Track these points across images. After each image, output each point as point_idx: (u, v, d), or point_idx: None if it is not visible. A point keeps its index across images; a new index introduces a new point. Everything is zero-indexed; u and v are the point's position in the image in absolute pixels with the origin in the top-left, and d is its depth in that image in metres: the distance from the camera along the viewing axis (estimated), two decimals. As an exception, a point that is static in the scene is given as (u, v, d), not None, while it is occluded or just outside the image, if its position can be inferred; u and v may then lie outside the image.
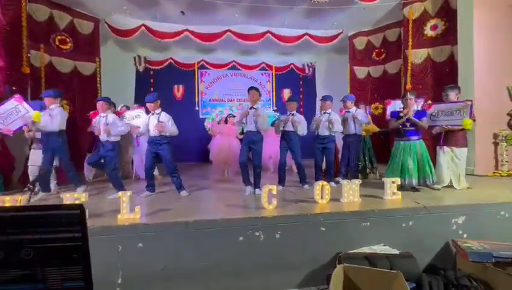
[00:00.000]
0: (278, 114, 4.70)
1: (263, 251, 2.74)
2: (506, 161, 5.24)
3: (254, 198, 3.73)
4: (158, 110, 4.10)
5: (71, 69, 6.47)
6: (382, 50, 7.82)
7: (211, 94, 9.32)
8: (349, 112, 4.79)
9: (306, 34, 7.71)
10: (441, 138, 4.13)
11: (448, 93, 4.09)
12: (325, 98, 4.60)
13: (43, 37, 5.86)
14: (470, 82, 5.34)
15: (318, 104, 7.65)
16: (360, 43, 8.06)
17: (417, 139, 3.97)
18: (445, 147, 4.04)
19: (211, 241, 2.69)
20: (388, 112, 5.49)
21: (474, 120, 3.94)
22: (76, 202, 2.68)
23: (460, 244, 2.77)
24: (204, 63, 9.04)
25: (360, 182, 3.45)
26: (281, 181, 4.38)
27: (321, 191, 3.27)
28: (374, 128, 5.49)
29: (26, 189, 3.32)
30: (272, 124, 5.17)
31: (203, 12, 6.62)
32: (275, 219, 2.83)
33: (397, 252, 2.82)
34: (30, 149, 4.49)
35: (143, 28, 7.07)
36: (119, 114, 5.05)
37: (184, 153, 8.31)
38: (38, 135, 4.33)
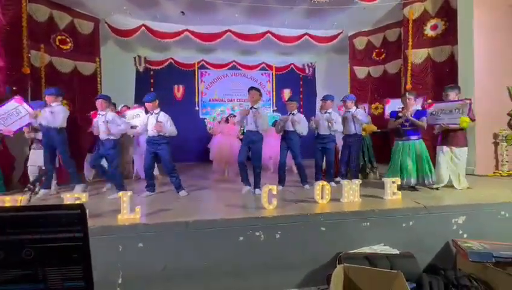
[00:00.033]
0: (280, 115, 4.69)
1: (263, 251, 2.74)
2: (507, 161, 5.25)
3: (254, 198, 3.73)
4: (157, 110, 4.09)
5: (71, 69, 6.48)
6: (382, 50, 7.82)
7: (211, 94, 9.32)
8: (349, 111, 4.79)
9: (306, 34, 7.71)
10: (439, 138, 4.14)
11: (448, 93, 4.10)
12: (325, 98, 4.60)
13: (43, 37, 5.86)
14: (470, 82, 5.34)
15: (318, 104, 7.67)
16: (360, 43, 8.07)
17: (416, 139, 3.97)
18: (444, 147, 4.04)
19: (211, 241, 2.69)
20: (387, 111, 5.51)
21: (473, 119, 3.94)
22: (77, 202, 2.68)
23: (460, 244, 2.77)
24: (205, 63, 9.05)
25: (360, 182, 3.46)
26: (281, 181, 4.39)
27: (321, 191, 3.27)
28: (372, 127, 5.48)
29: (26, 189, 3.32)
30: (273, 124, 5.18)
31: (203, 12, 6.63)
32: (275, 219, 2.83)
33: (397, 252, 2.82)
34: (30, 149, 4.50)
35: (143, 28, 7.07)
36: (119, 114, 5.05)
37: (184, 153, 8.31)
38: (38, 136, 4.34)
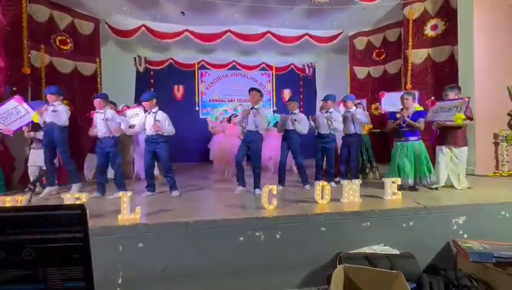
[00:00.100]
0: (284, 115, 4.68)
1: (263, 251, 2.74)
2: (507, 161, 5.24)
3: (254, 198, 3.73)
4: (155, 109, 4.09)
5: (71, 69, 6.48)
6: (382, 50, 7.82)
7: (211, 94, 9.32)
8: (349, 111, 4.80)
9: (306, 34, 7.72)
10: (437, 137, 4.14)
11: (448, 93, 4.11)
12: (326, 98, 4.60)
13: (43, 37, 5.87)
14: (470, 82, 5.34)
15: (318, 104, 7.66)
16: (360, 43, 8.07)
17: (415, 140, 3.97)
18: (444, 147, 4.04)
19: (211, 241, 2.69)
20: (383, 105, 5.51)
21: (470, 117, 3.94)
22: (77, 202, 2.68)
23: (460, 244, 2.77)
24: (205, 63, 9.05)
25: (361, 182, 3.46)
26: (281, 181, 4.39)
27: (321, 191, 3.27)
28: (368, 126, 5.47)
29: (27, 189, 3.32)
30: (275, 125, 5.18)
31: (203, 12, 6.63)
32: (275, 219, 2.83)
33: (397, 252, 2.82)
34: (30, 149, 4.50)
35: (143, 28, 7.08)
36: (119, 113, 5.05)
37: (184, 153, 8.31)
38: (38, 135, 4.34)
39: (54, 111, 3.91)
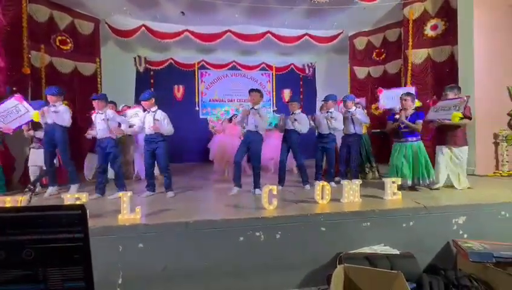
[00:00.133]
0: (283, 114, 4.69)
1: (263, 251, 2.74)
2: (507, 161, 5.24)
3: (254, 198, 3.73)
4: (154, 108, 4.09)
5: (71, 69, 6.48)
6: (382, 50, 7.82)
7: (211, 94, 9.32)
8: (349, 111, 4.80)
9: (306, 34, 7.71)
10: (437, 137, 4.14)
11: (447, 93, 4.13)
12: (327, 99, 4.60)
13: (43, 37, 5.87)
14: (470, 82, 5.34)
15: (318, 104, 7.66)
16: (360, 43, 8.07)
17: (414, 141, 3.96)
18: (444, 147, 4.04)
19: (211, 241, 2.69)
20: (381, 101, 5.52)
21: (469, 116, 3.94)
22: (77, 202, 2.68)
23: (460, 244, 2.77)
24: (205, 63, 9.05)
25: (361, 182, 3.46)
26: (281, 181, 4.39)
27: (321, 191, 3.27)
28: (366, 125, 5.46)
29: (27, 190, 3.32)
30: (275, 125, 5.19)
31: (203, 12, 6.63)
32: (275, 219, 2.83)
33: (398, 252, 2.82)
34: (30, 149, 4.49)
35: (143, 28, 7.07)
36: (120, 113, 5.05)
37: (184, 153, 8.32)
38: (37, 134, 4.34)
39: (55, 112, 3.91)
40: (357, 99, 5.29)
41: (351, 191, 3.31)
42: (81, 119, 6.08)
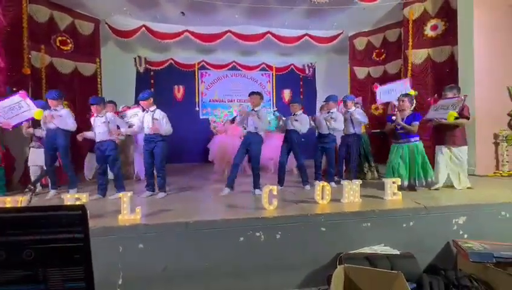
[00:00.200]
0: (281, 115, 4.69)
1: (263, 252, 2.74)
2: (507, 161, 5.24)
3: (254, 198, 3.73)
4: (152, 108, 4.09)
5: (72, 69, 6.48)
6: (382, 50, 7.81)
7: (211, 95, 9.32)
8: (349, 112, 4.80)
9: (306, 34, 7.71)
10: (436, 136, 4.15)
11: (447, 93, 4.14)
12: (327, 100, 4.61)
13: (43, 38, 5.86)
14: (470, 82, 5.34)
15: (318, 104, 7.66)
16: (360, 43, 8.06)
17: (412, 141, 3.96)
18: (443, 147, 4.04)
19: (211, 241, 2.69)
20: (378, 96, 5.54)
21: (467, 117, 3.94)
22: (77, 202, 2.68)
23: (461, 244, 2.77)
24: (205, 64, 9.04)
25: (361, 182, 3.46)
26: (280, 181, 4.39)
27: (321, 191, 3.27)
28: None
29: (27, 190, 3.32)
30: (276, 127, 5.19)
31: (203, 13, 6.63)
32: (275, 219, 2.84)
33: (398, 252, 2.82)
34: (30, 148, 4.48)
35: (143, 28, 7.07)
36: (120, 113, 5.05)
37: (184, 154, 8.32)
38: (37, 132, 4.32)
39: (59, 116, 3.91)
40: (356, 99, 5.30)
41: (351, 192, 3.31)
42: (81, 120, 6.08)
